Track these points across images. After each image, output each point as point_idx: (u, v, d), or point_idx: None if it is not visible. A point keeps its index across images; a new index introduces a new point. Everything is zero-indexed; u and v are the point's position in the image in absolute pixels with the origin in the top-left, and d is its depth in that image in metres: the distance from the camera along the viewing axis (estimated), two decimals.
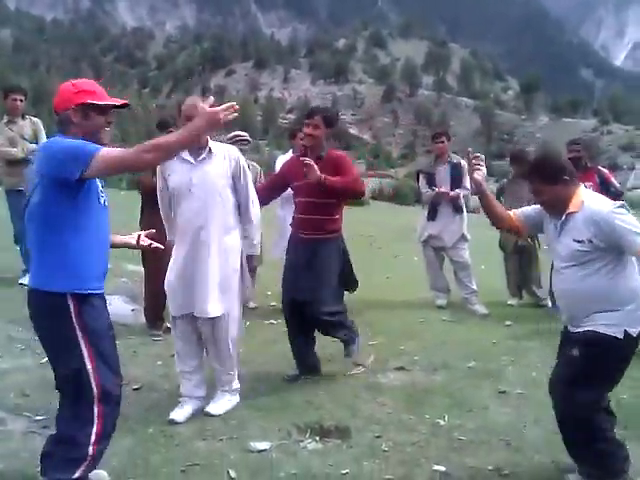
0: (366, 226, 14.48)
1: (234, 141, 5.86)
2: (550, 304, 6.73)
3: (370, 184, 47.25)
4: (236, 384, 3.97)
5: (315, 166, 4.10)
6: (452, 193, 6.51)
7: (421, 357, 4.92)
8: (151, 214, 4.71)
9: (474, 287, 6.64)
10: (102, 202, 2.73)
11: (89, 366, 2.62)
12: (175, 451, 3.29)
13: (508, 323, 6.08)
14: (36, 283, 2.67)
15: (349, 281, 4.56)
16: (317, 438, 3.50)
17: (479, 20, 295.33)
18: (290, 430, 3.56)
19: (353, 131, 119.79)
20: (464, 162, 6.62)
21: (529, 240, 6.86)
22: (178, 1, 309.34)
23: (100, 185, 2.74)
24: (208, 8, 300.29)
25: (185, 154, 3.66)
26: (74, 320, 2.60)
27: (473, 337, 5.58)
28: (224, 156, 3.78)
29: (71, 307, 2.60)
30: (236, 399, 3.94)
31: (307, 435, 3.53)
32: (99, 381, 2.64)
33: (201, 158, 3.71)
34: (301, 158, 4.29)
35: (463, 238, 6.64)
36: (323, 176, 4.11)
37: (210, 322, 3.75)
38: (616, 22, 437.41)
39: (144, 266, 5.59)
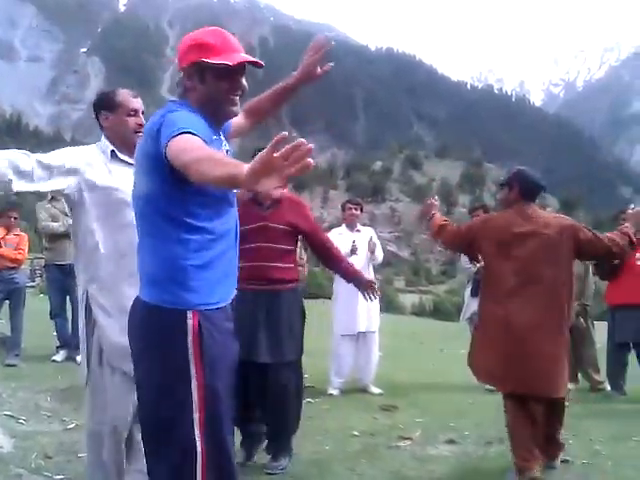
0: (409, 326, 14.15)
1: None
2: (609, 387, 6.28)
3: (409, 299, 47.32)
4: None
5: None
6: None
7: (472, 432, 4.56)
8: None
9: None
10: None
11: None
12: None
13: (565, 404, 5.64)
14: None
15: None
16: None
17: (513, 141, 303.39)
18: None
19: (391, 248, 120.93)
20: None
21: (580, 319, 6.51)
22: None
23: None
24: (250, 136, 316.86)
25: (123, 155, 2.71)
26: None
27: None
28: None
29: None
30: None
31: None
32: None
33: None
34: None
35: None
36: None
37: None
38: None
39: None
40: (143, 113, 2.66)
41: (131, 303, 2.06)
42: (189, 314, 1.87)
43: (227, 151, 2.02)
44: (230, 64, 1.88)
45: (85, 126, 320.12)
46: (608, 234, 3.60)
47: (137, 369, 1.98)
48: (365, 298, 3.77)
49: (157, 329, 1.90)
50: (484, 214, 6.46)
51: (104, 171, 2.61)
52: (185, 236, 1.88)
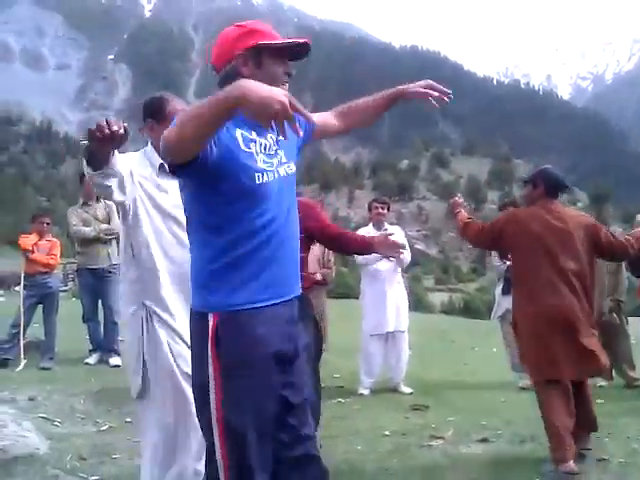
0: (438, 325, 14.04)
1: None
2: None
3: (438, 297, 47.00)
4: None
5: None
6: None
7: (505, 430, 4.50)
8: None
9: None
10: None
11: None
12: None
13: (599, 401, 5.52)
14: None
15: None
16: None
17: (541, 136, 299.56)
18: None
19: (419, 246, 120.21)
20: None
21: (614, 315, 6.40)
22: None
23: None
24: None
25: None
26: None
27: None
28: None
29: None
30: None
31: None
32: None
33: None
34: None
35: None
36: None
37: None
38: None
39: None
40: None
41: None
42: (210, 316, 1.83)
43: (277, 141, 1.94)
44: (292, 43, 1.90)
45: None
46: (626, 235, 3.83)
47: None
48: (390, 259, 3.56)
49: (192, 336, 1.93)
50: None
51: (154, 184, 2.60)
52: (207, 238, 1.87)
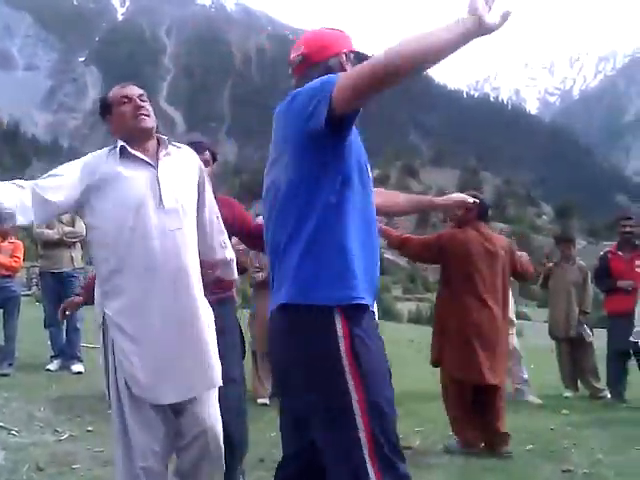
0: (406, 334, 14.08)
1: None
2: (609, 395, 6.24)
3: (407, 306, 47.18)
4: None
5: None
6: None
7: None
8: None
9: (525, 376, 6.18)
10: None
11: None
12: None
13: (565, 412, 5.62)
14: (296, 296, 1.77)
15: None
16: None
17: (509, 149, 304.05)
18: None
19: (388, 256, 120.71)
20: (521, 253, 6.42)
21: (584, 326, 6.49)
22: (220, 140, 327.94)
23: None
24: (248, 145, 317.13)
25: (135, 151, 2.32)
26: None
27: (529, 424, 5.11)
28: (183, 155, 2.48)
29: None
30: None
31: None
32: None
33: (163, 154, 2.37)
34: None
35: (509, 323, 6.25)
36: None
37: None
38: None
39: None
40: (142, 96, 2.36)
41: (160, 326, 2.07)
42: (336, 312, 1.68)
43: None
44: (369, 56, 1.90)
45: (83, 134, 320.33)
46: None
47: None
48: None
49: (308, 333, 1.71)
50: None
51: (113, 174, 2.26)
52: (329, 221, 1.72)
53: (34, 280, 19.84)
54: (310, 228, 1.72)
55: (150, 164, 2.30)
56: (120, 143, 2.31)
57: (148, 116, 2.34)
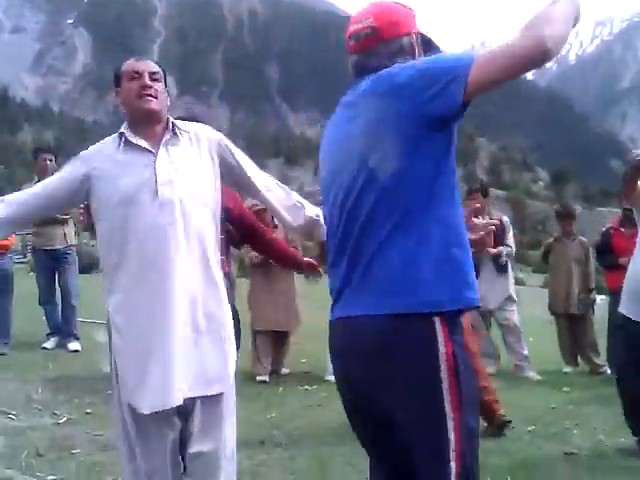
0: None
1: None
2: (609, 371, 6.23)
3: None
4: None
5: None
6: (493, 250, 6.08)
7: None
8: None
9: (525, 352, 6.16)
10: None
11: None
12: None
13: (566, 389, 5.60)
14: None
15: None
16: None
17: (505, 115, 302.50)
18: None
19: None
20: (506, 218, 6.32)
21: (589, 300, 6.48)
22: (212, 105, 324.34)
23: None
24: (240, 110, 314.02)
25: (135, 138, 2.17)
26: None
27: (530, 402, 5.10)
28: (195, 137, 2.26)
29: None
30: None
31: None
32: None
33: (165, 141, 2.18)
34: None
35: (510, 299, 6.21)
36: None
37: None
38: None
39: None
40: (155, 74, 2.19)
41: (144, 323, 1.92)
42: (437, 321, 1.52)
43: None
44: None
45: (73, 98, 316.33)
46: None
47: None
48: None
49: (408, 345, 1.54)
50: (485, 197, 6.11)
51: (110, 163, 2.14)
52: (449, 213, 1.58)
53: (29, 247, 19.74)
54: (424, 226, 1.55)
55: (151, 151, 2.14)
56: (121, 130, 2.19)
57: (155, 98, 2.16)
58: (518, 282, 21.66)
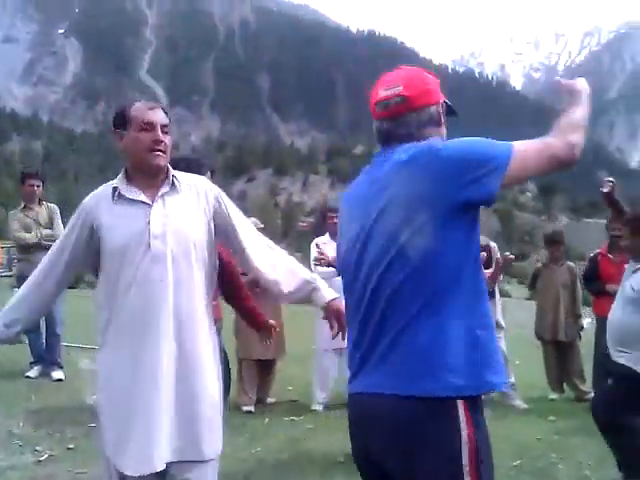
0: None
1: None
2: None
3: None
4: None
5: None
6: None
7: None
8: None
9: (512, 380, 6.15)
10: None
11: None
12: None
13: (552, 418, 5.59)
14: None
15: None
16: None
17: (494, 125, 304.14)
18: None
19: None
20: (493, 244, 6.32)
21: (577, 328, 6.48)
22: (203, 114, 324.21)
23: None
24: (231, 120, 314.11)
25: (130, 191, 2.15)
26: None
27: (516, 433, 5.07)
28: (193, 190, 2.24)
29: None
30: None
31: None
32: None
33: (162, 193, 2.17)
34: None
35: (497, 326, 6.21)
36: None
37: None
38: (628, 125, 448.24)
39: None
40: (166, 127, 2.16)
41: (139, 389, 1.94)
42: (460, 405, 1.55)
43: None
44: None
45: (63, 108, 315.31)
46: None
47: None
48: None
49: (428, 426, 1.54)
50: None
51: (105, 216, 2.13)
52: (474, 290, 1.61)
53: (15, 260, 19.54)
54: (451, 306, 1.56)
55: (147, 203, 2.12)
56: (114, 184, 2.17)
57: (164, 153, 2.14)
58: (504, 294, 21.66)
